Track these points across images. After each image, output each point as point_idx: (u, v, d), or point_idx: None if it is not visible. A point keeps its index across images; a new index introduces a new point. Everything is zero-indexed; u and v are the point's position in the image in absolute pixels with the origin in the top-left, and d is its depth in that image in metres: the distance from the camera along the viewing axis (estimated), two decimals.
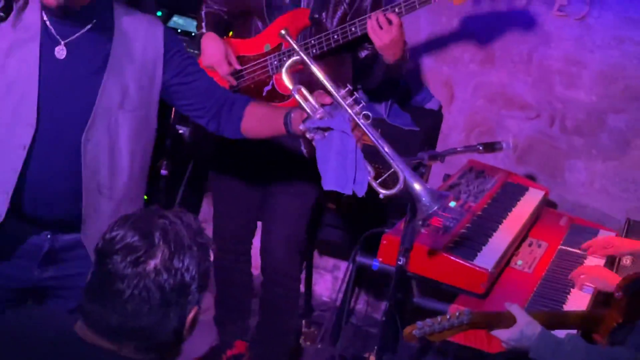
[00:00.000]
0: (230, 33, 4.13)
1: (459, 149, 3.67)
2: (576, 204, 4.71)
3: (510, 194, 4.18)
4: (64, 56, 2.79)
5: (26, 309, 2.85)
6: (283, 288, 4.12)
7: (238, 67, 3.91)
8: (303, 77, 3.45)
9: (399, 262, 3.30)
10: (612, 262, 3.85)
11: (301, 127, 2.89)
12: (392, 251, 3.36)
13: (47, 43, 2.78)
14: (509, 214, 3.95)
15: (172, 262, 2.01)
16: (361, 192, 2.83)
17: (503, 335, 2.90)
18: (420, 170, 3.27)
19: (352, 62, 3.99)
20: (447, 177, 4.33)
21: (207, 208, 4.93)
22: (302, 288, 5.08)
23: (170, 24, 5.40)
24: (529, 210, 4.05)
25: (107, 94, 2.82)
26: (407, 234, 3.29)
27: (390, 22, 3.62)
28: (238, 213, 4.21)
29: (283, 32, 3.11)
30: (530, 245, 3.89)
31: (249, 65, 3.93)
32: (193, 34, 4.49)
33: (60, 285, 2.92)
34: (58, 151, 2.80)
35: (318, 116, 2.86)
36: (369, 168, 2.84)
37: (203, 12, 4.06)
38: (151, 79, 2.94)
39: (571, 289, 3.54)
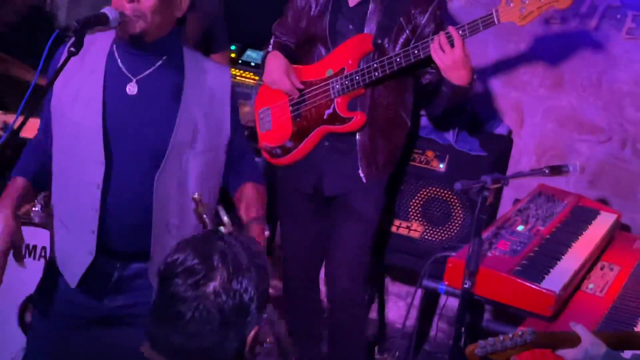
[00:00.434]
0: None
1: (524, 173, 3.67)
2: None
3: (580, 217, 4.15)
4: (135, 92, 2.85)
5: (97, 335, 2.96)
6: (349, 314, 4.16)
7: (299, 85, 3.99)
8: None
9: (464, 286, 3.32)
10: None
11: None
12: (458, 275, 3.37)
13: (118, 80, 2.85)
14: (579, 237, 3.92)
15: (231, 284, 2.07)
16: None
17: (568, 355, 2.88)
18: (483, 194, 3.28)
19: (414, 89, 4.03)
20: (516, 201, 4.33)
21: None
22: (374, 315, 5.12)
23: (244, 57, 5.52)
24: (600, 233, 4.01)
25: (180, 132, 2.86)
26: (472, 257, 3.30)
27: (452, 43, 3.65)
28: (304, 241, 4.28)
29: None
30: (602, 268, 3.85)
31: (311, 89, 4.00)
32: None
33: (129, 313, 2.97)
34: (130, 187, 2.86)
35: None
36: None
37: (272, 41, 4.17)
38: (219, 124, 2.98)
39: None
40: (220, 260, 2.08)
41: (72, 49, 2.62)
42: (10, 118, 4.26)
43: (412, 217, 4.52)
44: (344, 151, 4.00)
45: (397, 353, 4.26)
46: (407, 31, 3.86)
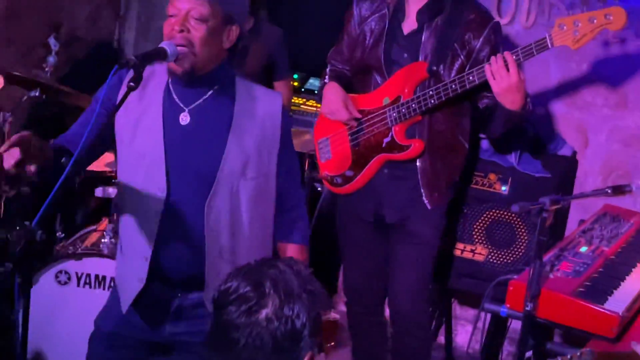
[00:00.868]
0: None
1: (585, 194, 3.65)
2: None
3: None
4: (187, 122, 2.93)
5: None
6: (412, 337, 4.16)
7: (357, 115, 4.03)
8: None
9: (526, 308, 3.30)
10: None
11: None
12: (520, 297, 3.35)
13: (170, 110, 2.93)
14: None
15: (283, 310, 2.11)
16: None
17: None
18: (542, 216, 3.27)
19: (471, 113, 4.04)
20: (581, 222, 4.29)
21: None
22: (442, 340, 5.11)
23: (307, 85, 5.60)
24: None
25: (231, 160, 2.93)
26: (533, 280, 3.28)
27: (508, 68, 3.66)
28: (364, 265, 4.30)
29: None
30: None
31: (368, 118, 4.04)
32: None
33: (187, 341, 3.02)
34: (186, 215, 2.93)
35: None
36: None
37: (327, 70, 4.23)
38: (270, 152, 3.03)
39: None
40: (272, 287, 2.12)
41: (131, 83, 2.67)
42: None
43: (476, 240, 4.52)
44: (404, 178, 4.02)
45: None
46: (462, 57, 3.88)
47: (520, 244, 4.43)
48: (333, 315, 5.28)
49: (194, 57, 2.83)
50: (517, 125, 3.94)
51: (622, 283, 3.57)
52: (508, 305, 3.45)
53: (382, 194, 4.08)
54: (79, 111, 4.65)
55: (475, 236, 4.53)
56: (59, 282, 4.16)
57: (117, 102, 2.75)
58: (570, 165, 4.80)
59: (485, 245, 4.50)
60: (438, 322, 5.12)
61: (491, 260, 4.50)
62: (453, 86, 3.79)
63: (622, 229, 4.07)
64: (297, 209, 3.20)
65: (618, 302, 3.39)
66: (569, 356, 2.82)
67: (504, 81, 3.65)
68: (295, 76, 5.58)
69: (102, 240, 4.29)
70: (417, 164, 3.98)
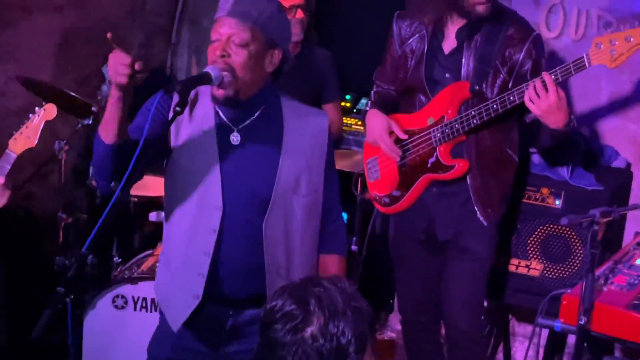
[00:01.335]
0: None
1: (637, 205, 3.61)
2: None
3: None
4: (238, 142, 2.97)
5: None
6: (469, 353, 4.15)
7: (403, 136, 4.04)
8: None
9: (580, 322, 3.27)
10: None
11: None
12: (573, 311, 3.33)
13: (221, 130, 2.97)
14: None
15: (328, 328, 2.13)
16: None
17: None
18: (593, 228, 3.25)
19: (519, 127, 4.03)
20: (637, 234, 4.25)
21: None
22: (501, 358, 5.08)
23: (359, 106, 5.63)
24: None
25: (284, 178, 2.98)
26: (586, 293, 3.26)
27: (547, 89, 3.65)
28: (418, 283, 4.29)
29: None
30: None
31: (413, 138, 4.05)
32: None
33: (244, 359, 3.03)
34: (242, 233, 2.97)
35: None
36: None
37: (373, 92, 4.26)
38: (319, 169, 3.09)
39: None
40: (317, 304, 2.14)
41: (177, 108, 2.72)
42: None
43: (531, 255, 4.49)
44: (454, 194, 4.03)
45: None
46: (504, 73, 3.87)
47: (576, 258, 4.39)
48: (389, 334, 5.29)
49: (236, 82, 2.87)
50: (566, 138, 3.91)
51: None
52: (562, 320, 3.43)
53: (434, 211, 4.08)
54: None
55: (529, 251, 4.50)
56: (116, 306, 4.22)
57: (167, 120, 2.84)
58: (624, 177, 4.75)
59: (541, 260, 4.47)
60: (496, 339, 5.08)
61: (547, 275, 4.47)
62: (494, 106, 3.79)
63: None
64: (337, 221, 3.24)
65: None
66: None
67: (543, 103, 3.64)
68: (348, 97, 5.61)
69: (158, 264, 4.34)
70: (468, 181, 3.98)
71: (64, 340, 2.95)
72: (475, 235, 4.04)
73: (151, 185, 4.47)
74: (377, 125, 4.09)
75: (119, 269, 4.54)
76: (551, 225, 4.44)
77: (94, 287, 4.33)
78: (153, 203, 4.62)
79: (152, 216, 4.58)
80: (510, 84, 3.87)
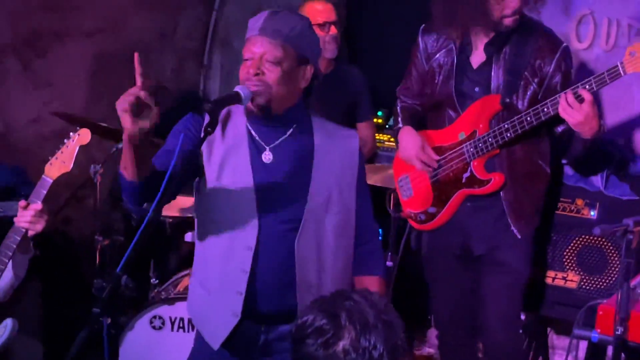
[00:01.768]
0: None
1: None
2: None
3: None
4: (270, 160, 3.00)
5: None
6: None
7: (435, 157, 4.04)
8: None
9: (616, 332, 3.25)
10: None
11: None
12: (610, 322, 3.31)
13: (253, 149, 3.00)
14: None
15: (359, 342, 2.14)
16: None
17: None
18: (627, 237, 3.23)
19: (550, 136, 4.01)
20: None
21: None
22: None
23: (391, 122, 5.62)
24: None
25: (316, 196, 3.00)
26: (622, 303, 3.24)
27: (581, 99, 3.64)
28: (453, 297, 4.29)
29: None
30: None
31: (446, 154, 4.05)
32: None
33: None
34: (276, 250, 2.99)
35: None
36: None
37: (398, 107, 4.27)
38: (350, 187, 3.11)
39: None
40: (348, 318, 2.15)
41: (209, 128, 2.75)
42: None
43: (568, 267, 4.47)
44: (488, 208, 4.02)
45: None
46: (534, 84, 3.87)
47: (613, 268, 4.37)
48: (428, 350, 5.28)
49: (270, 94, 2.90)
50: (597, 146, 3.89)
51: None
52: (599, 330, 3.41)
53: (468, 226, 4.08)
54: None
55: (566, 263, 4.48)
56: (154, 327, 4.26)
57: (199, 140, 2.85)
58: None
59: (577, 272, 4.45)
60: (535, 353, 5.05)
61: (584, 286, 4.45)
62: (528, 119, 3.79)
63: None
64: (373, 241, 3.24)
65: None
66: None
67: (578, 114, 3.64)
68: (380, 113, 5.62)
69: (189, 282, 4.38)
70: (501, 194, 3.97)
71: None
72: (510, 248, 4.03)
73: (187, 206, 4.51)
74: (410, 144, 4.10)
75: (156, 290, 4.58)
76: (587, 237, 4.43)
77: (132, 309, 4.36)
78: (188, 223, 4.65)
79: (188, 237, 4.61)
80: (540, 95, 3.86)
